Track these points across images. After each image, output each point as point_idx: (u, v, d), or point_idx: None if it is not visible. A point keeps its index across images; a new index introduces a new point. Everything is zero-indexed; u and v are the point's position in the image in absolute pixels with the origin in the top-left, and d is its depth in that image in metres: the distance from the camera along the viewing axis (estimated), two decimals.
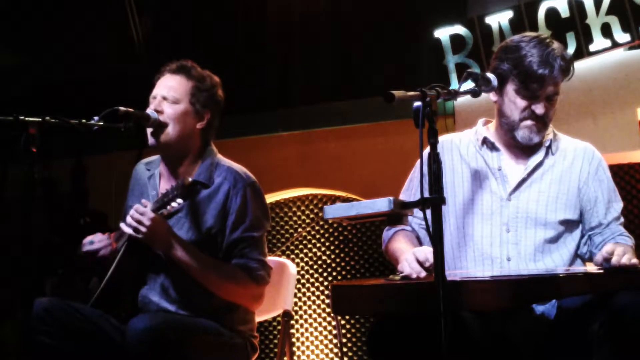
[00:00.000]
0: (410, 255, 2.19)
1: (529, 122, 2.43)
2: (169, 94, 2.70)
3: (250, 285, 2.66)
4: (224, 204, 2.67)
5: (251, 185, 2.72)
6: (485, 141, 2.54)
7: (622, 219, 2.52)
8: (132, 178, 2.91)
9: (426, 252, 2.17)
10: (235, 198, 2.67)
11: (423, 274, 2.14)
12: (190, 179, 2.47)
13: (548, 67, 2.37)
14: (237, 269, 2.64)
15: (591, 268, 2.28)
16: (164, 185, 2.77)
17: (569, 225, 2.45)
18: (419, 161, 2.63)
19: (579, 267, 2.44)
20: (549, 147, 2.50)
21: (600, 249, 2.43)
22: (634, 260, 2.09)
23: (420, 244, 2.51)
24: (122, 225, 2.64)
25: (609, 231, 2.46)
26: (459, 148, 2.56)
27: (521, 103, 2.41)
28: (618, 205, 2.52)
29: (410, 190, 2.61)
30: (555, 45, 2.42)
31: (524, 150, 2.50)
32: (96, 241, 2.72)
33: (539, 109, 2.41)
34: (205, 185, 2.68)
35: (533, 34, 2.48)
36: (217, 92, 2.79)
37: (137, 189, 2.86)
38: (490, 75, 2.32)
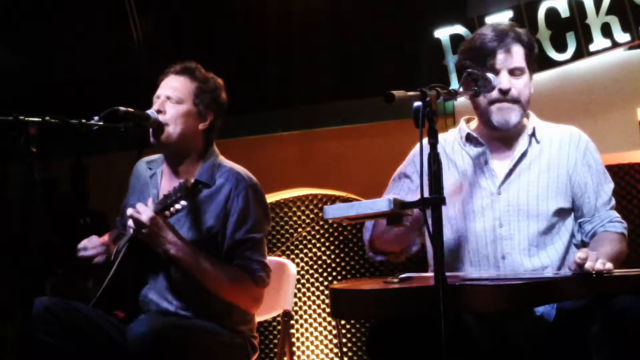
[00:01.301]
0: None
1: (498, 104, 2.42)
2: (173, 94, 2.72)
3: (251, 286, 2.66)
4: (225, 204, 2.67)
5: (253, 186, 2.73)
6: (469, 137, 2.53)
7: (613, 202, 2.50)
8: (133, 176, 2.92)
9: None
10: (237, 199, 2.68)
11: None
12: (192, 180, 2.48)
13: (497, 39, 2.41)
14: (238, 270, 2.65)
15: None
16: (165, 183, 2.78)
17: (562, 214, 2.44)
18: (405, 162, 2.64)
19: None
20: (533, 135, 2.49)
21: (589, 237, 2.44)
22: (609, 265, 2.05)
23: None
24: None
25: (598, 219, 2.45)
26: (444, 148, 2.55)
27: (489, 93, 2.39)
28: (608, 187, 2.50)
29: (395, 187, 2.59)
30: (508, 24, 2.48)
31: (507, 142, 2.50)
32: (90, 247, 2.72)
33: (502, 83, 2.40)
34: (207, 185, 2.69)
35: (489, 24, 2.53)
36: (221, 94, 2.81)
37: (137, 186, 2.87)
38: (490, 75, 2.32)
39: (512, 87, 2.41)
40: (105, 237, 2.83)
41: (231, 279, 2.63)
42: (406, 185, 2.57)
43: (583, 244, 2.48)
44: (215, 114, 2.79)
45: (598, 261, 2.04)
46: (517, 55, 2.43)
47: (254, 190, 2.72)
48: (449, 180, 2.48)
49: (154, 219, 2.52)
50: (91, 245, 2.73)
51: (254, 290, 2.68)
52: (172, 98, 2.72)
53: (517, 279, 2.08)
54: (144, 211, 2.52)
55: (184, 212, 2.68)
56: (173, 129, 2.70)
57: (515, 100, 2.43)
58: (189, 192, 2.45)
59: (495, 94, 2.41)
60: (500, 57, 2.40)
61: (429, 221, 1.93)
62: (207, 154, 2.77)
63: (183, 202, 2.46)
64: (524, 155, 2.47)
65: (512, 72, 2.42)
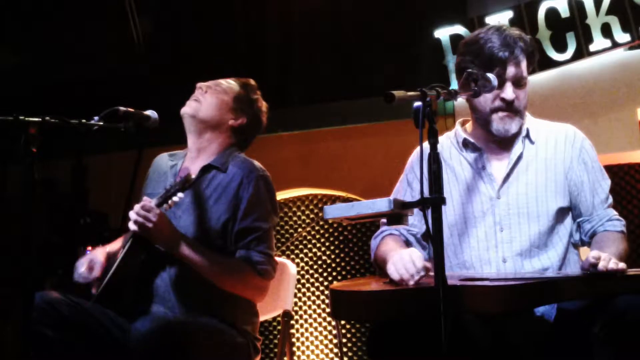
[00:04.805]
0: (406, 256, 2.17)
1: (501, 114, 2.42)
2: (219, 87, 2.86)
3: (255, 278, 2.66)
4: (237, 192, 2.71)
5: (264, 178, 2.77)
6: (465, 143, 2.53)
7: (610, 200, 2.49)
8: (152, 167, 2.97)
9: (413, 258, 2.15)
10: (248, 187, 2.71)
11: (412, 281, 2.11)
12: (193, 176, 2.54)
13: (508, 49, 2.39)
14: (242, 263, 2.65)
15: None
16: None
17: (561, 213, 2.43)
18: (406, 168, 2.64)
19: (577, 270, 2.43)
20: (527, 136, 2.49)
21: (589, 236, 2.44)
22: (622, 265, 2.06)
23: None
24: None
25: (597, 217, 2.45)
26: (441, 153, 2.53)
27: (489, 93, 2.38)
28: (605, 184, 2.49)
29: (399, 193, 2.60)
30: (513, 29, 2.45)
31: (503, 145, 2.49)
32: (79, 269, 2.71)
33: (507, 94, 2.40)
34: (219, 169, 2.73)
35: (491, 25, 2.50)
36: (262, 115, 2.95)
37: (155, 176, 2.90)
38: (490, 75, 2.32)
39: (515, 98, 2.41)
40: (113, 245, 2.82)
41: (235, 272, 2.64)
42: (409, 194, 2.57)
43: (582, 243, 2.48)
44: (248, 122, 2.88)
45: (611, 261, 2.05)
46: (523, 65, 2.43)
47: (265, 181, 2.77)
48: (448, 187, 2.48)
49: (160, 215, 2.53)
50: (80, 269, 2.71)
51: (257, 281, 2.68)
52: (217, 88, 2.85)
53: (518, 279, 2.07)
54: (150, 208, 2.53)
55: (191, 200, 2.70)
56: (206, 108, 2.80)
57: (517, 111, 2.44)
58: (187, 185, 2.51)
59: (498, 102, 2.41)
60: (510, 69, 2.39)
61: (429, 221, 1.93)
62: (229, 148, 2.84)
63: (180, 195, 2.51)
64: (520, 157, 2.47)
65: (518, 82, 2.42)
